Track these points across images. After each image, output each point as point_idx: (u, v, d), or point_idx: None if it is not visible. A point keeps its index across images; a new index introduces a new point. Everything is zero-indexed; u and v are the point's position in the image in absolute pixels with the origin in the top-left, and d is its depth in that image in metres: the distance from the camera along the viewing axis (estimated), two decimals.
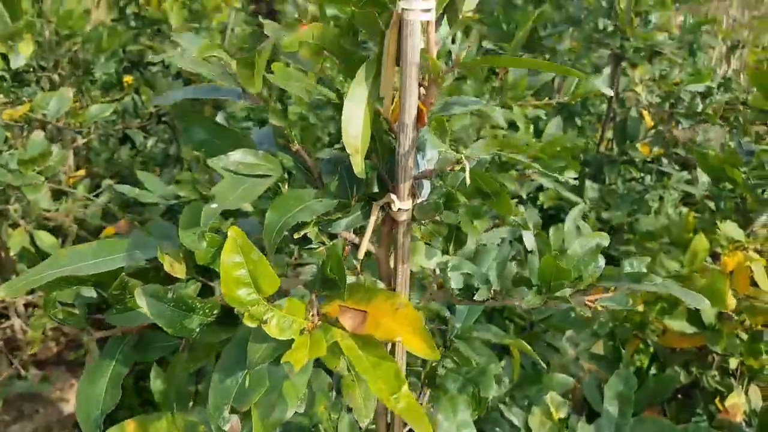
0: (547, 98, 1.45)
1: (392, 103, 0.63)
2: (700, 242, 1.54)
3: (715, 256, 1.66)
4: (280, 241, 0.55)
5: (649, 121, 2.45)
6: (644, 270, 0.70)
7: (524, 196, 1.73)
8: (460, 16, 0.57)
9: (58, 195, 1.99)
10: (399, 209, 0.63)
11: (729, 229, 1.55)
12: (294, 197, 0.57)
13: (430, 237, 0.69)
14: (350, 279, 0.66)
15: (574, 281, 0.67)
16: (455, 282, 0.69)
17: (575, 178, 2.46)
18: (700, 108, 2.26)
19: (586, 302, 0.71)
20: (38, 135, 1.69)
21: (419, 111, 0.61)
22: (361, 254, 0.64)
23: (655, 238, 2.03)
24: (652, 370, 1.93)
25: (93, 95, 2.26)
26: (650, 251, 2.02)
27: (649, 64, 2.25)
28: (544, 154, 1.53)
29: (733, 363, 1.58)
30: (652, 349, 1.87)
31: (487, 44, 1.51)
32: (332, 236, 0.65)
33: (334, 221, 0.61)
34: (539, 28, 2.77)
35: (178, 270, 0.54)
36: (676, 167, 2.33)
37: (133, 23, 3.11)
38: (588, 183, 2.33)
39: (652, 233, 2.18)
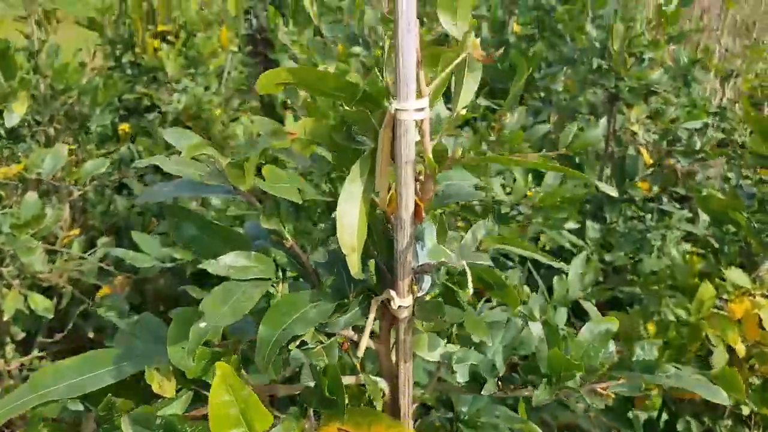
0: (543, 149, 1.44)
1: (388, 195, 0.61)
2: (707, 290, 1.51)
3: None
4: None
5: (647, 158, 2.44)
6: (655, 353, 0.67)
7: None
8: (455, 114, 0.55)
9: (53, 252, 1.96)
10: (399, 306, 0.60)
11: (734, 276, 1.52)
12: (288, 304, 0.55)
13: (433, 329, 0.66)
14: (349, 379, 0.63)
15: (584, 373, 0.64)
16: (461, 375, 0.66)
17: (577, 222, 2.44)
18: (698, 146, 2.25)
19: (598, 390, 0.68)
20: (32, 196, 1.67)
21: (416, 206, 0.59)
22: (360, 353, 0.62)
23: (660, 281, 2.00)
24: (664, 416, 1.88)
25: (89, 148, 2.25)
26: (655, 294, 1.99)
27: (644, 104, 2.25)
28: (545, 205, 1.51)
29: (746, 410, 1.54)
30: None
31: (481, 100, 1.50)
32: (330, 334, 0.63)
33: (332, 322, 0.59)
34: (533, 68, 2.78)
35: (168, 389, 0.51)
36: (677, 205, 2.31)
37: (129, 71, 3.12)
38: (589, 223, 2.31)
39: (656, 274, 2.16)
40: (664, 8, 2.05)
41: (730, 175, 2.42)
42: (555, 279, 1.65)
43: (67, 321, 1.80)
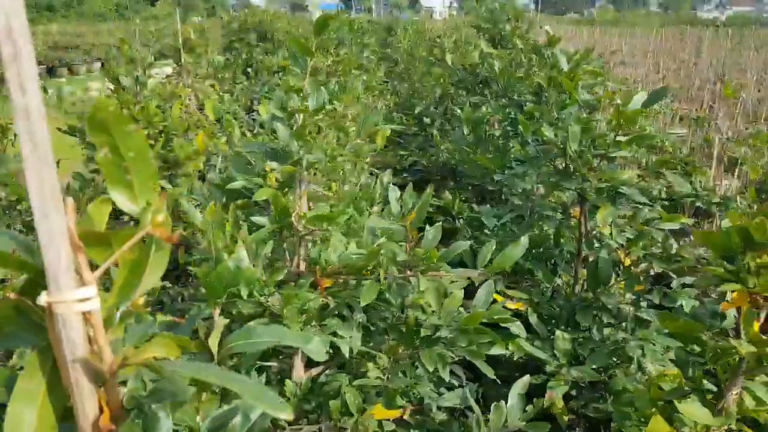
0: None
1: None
2: (657, 425, 1.34)
3: None
4: None
5: (625, 260, 2.29)
6: None
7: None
8: (130, 303, 0.46)
9: None
10: None
11: (690, 410, 1.34)
12: None
13: None
14: None
15: None
16: None
17: (549, 329, 2.27)
18: (674, 249, 2.10)
19: None
20: None
21: (102, 411, 0.48)
22: None
23: (630, 403, 1.81)
24: None
25: None
26: (626, 416, 1.79)
27: (612, 206, 2.12)
28: (469, 325, 1.38)
29: None
30: None
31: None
32: None
33: None
34: (506, 165, 2.71)
35: None
36: (656, 313, 2.12)
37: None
38: (558, 333, 2.14)
39: (628, 392, 1.96)
40: (622, 108, 1.97)
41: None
42: (492, 407, 1.49)
43: None
